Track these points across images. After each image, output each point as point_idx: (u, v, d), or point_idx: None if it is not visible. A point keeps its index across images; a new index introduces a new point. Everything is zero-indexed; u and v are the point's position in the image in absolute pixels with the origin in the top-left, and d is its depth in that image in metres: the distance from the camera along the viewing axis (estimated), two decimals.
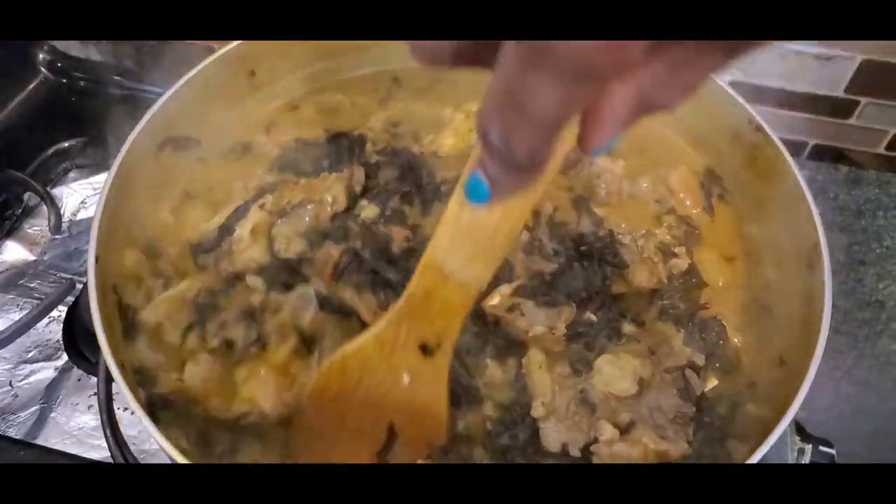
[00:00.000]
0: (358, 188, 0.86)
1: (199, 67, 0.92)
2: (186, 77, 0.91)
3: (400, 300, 0.63)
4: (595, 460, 0.68)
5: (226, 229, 0.83)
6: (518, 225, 0.54)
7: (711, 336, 0.77)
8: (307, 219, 0.82)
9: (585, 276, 0.77)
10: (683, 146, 0.98)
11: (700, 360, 0.73)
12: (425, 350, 0.65)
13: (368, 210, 0.85)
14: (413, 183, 0.89)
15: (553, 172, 0.48)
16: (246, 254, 0.81)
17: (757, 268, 0.87)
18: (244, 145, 0.96)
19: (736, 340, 0.79)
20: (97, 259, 0.74)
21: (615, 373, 0.71)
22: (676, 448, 0.68)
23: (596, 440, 0.68)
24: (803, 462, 0.86)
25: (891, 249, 1.25)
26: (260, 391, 0.72)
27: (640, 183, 0.91)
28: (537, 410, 0.69)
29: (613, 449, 0.67)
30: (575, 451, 0.69)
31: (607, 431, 0.68)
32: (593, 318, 0.75)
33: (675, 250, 0.83)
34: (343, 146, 0.95)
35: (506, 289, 0.76)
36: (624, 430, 0.68)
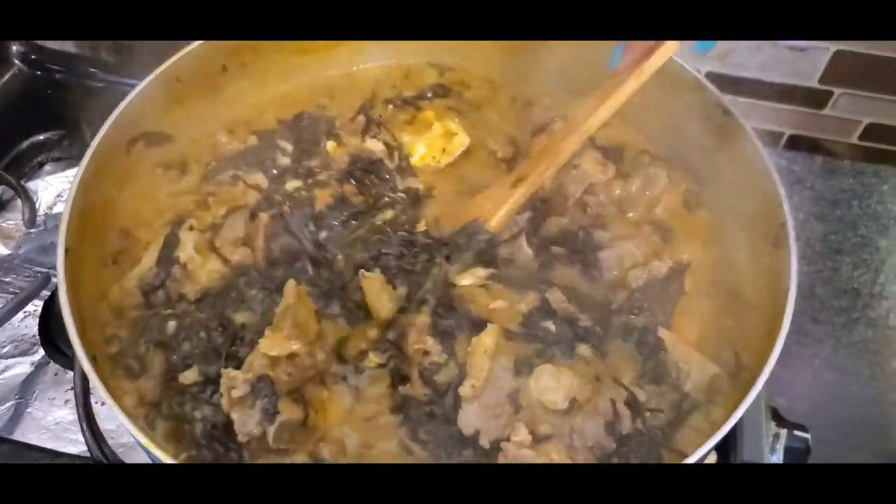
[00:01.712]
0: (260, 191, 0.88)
1: (168, 62, 0.91)
2: (156, 72, 0.90)
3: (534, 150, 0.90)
4: (500, 457, 0.69)
5: (165, 261, 0.81)
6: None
7: (658, 363, 0.77)
8: (241, 223, 0.83)
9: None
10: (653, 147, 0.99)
11: (642, 396, 0.73)
12: (515, 183, 0.86)
13: (291, 183, 0.89)
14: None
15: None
16: (207, 267, 0.80)
17: (726, 251, 0.88)
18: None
19: (683, 366, 0.78)
20: (67, 251, 0.74)
21: (551, 384, 0.72)
22: None
23: (508, 438, 0.69)
24: (778, 447, 0.87)
25: (866, 238, 1.27)
26: None
27: (630, 186, 0.92)
28: (465, 390, 0.71)
29: (520, 452, 0.67)
30: (484, 442, 0.70)
31: (521, 434, 0.68)
32: (552, 328, 0.77)
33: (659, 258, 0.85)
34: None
35: (480, 271, 0.82)
36: (538, 440, 0.69)
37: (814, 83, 1.26)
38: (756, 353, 0.75)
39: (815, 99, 1.29)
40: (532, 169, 0.86)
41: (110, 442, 0.80)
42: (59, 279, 0.72)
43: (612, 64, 0.80)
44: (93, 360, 0.68)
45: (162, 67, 0.90)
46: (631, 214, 0.91)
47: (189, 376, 0.75)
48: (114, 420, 0.93)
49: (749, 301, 0.83)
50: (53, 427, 0.94)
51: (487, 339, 0.73)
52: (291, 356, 0.71)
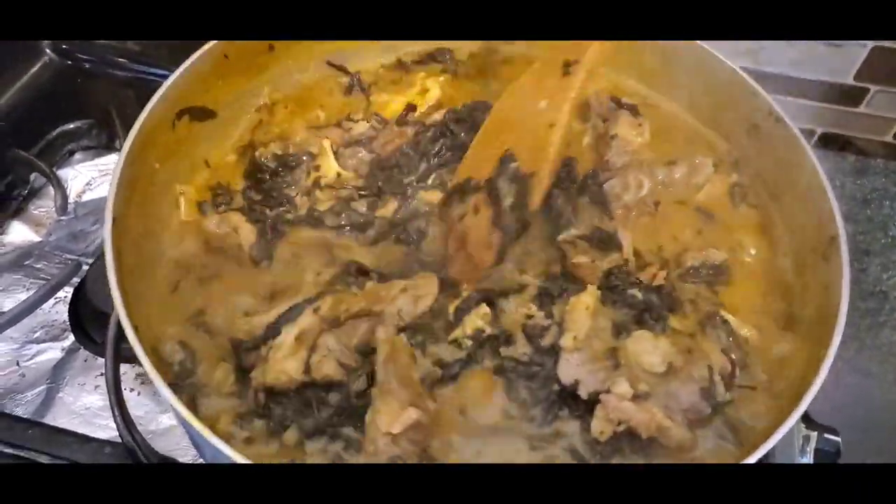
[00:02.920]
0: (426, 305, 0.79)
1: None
2: (206, 47, 0.90)
3: None
4: (598, 410, 0.69)
5: (273, 329, 0.76)
6: None
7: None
8: (359, 335, 0.76)
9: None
10: (707, 133, 0.99)
11: (730, 369, 0.75)
12: (566, 68, 0.81)
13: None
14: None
15: None
16: (281, 364, 0.73)
17: (774, 260, 0.87)
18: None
19: (749, 335, 0.80)
20: (114, 220, 0.74)
21: (649, 347, 0.73)
22: (678, 430, 0.69)
23: (608, 391, 0.70)
24: (808, 449, 0.86)
25: None
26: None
27: (674, 173, 0.92)
28: (567, 341, 0.73)
29: (622, 405, 0.68)
30: (583, 392, 0.71)
31: (623, 387, 0.69)
32: (638, 294, 0.79)
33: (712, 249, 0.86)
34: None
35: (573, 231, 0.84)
36: (637, 396, 0.70)
37: (849, 80, 1.24)
38: (799, 358, 0.75)
39: (850, 96, 1.26)
40: (580, 50, 0.81)
41: (140, 428, 0.81)
42: (106, 247, 0.72)
43: None
44: (135, 329, 0.68)
45: (212, 43, 0.90)
46: (671, 191, 0.91)
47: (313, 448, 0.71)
48: (143, 406, 0.95)
49: (793, 307, 0.83)
50: (83, 412, 0.95)
51: (587, 297, 0.76)
52: (412, 424, 0.67)
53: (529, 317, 0.78)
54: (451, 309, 0.78)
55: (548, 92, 0.83)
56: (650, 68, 1.01)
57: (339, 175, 0.92)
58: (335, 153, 0.93)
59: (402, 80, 1.06)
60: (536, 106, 0.83)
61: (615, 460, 0.71)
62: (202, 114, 0.93)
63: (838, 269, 0.75)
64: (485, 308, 0.78)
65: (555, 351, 0.75)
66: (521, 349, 0.76)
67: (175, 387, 0.71)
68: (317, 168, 0.92)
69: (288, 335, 0.73)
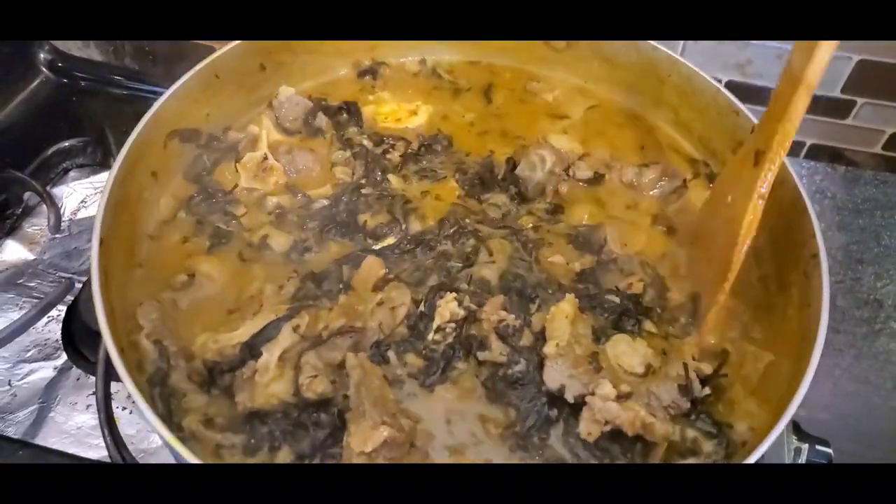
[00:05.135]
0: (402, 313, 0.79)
1: (210, 59, 0.92)
2: (198, 67, 0.91)
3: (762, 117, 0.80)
4: (585, 412, 0.72)
5: (249, 348, 0.74)
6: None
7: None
8: (343, 351, 0.74)
9: None
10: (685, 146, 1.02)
11: (708, 369, 0.77)
12: (756, 158, 0.78)
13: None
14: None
15: None
16: (270, 388, 0.71)
17: (755, 276, 0.88)
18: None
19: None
20: (102, 241, 0.74)
21: (627, 350, 0.76)
22: (662, 426, 0.71)
23: (593, 393, 0.72)
24: (800, 461, 0.86)
25: (889, 248, 1.25)
26: None
27: (643, 177, 0.95)
28: (550, 349, 0.75)
29: (606, 405, 0.71)
30: (569, 396, 0.73)
31: (607, 388, 0.72)
32: (615, 299, 0.82)
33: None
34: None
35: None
36: (620, 396, 0.72)
37: (836, 93, 1.25)
38: (783, 373, 0.75)
39: (838, 109, 1.27)
40: (770, 141, 0.77)
41: (131, 447, 0.81)
42: (93, 268, 0.72)
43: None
44: (121, 351, 0.68)
45: (203, 63, 0.91)
46: (637, 200, 0.95)
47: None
48: (134, 425, 0.94)
49: (775, 322, 0.83)
50: (75, 432, 0.95)
51: (567, 306, 0.78)
52: (385, 442, 0.67)
53: (500, 321, 0.79)
54: (421, 308, 0.80)
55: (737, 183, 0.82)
56: (632, 83, 1.03)
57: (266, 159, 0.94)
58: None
59: None
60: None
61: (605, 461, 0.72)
62: (194, 135, 0.94)
63: (819, 285, 0.75)
64: (450, 294, 0.80)
65: (532, 350, 0.77)
66: (498, 350, 0.77)
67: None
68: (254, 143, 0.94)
69: (271, 356, 0.73)
